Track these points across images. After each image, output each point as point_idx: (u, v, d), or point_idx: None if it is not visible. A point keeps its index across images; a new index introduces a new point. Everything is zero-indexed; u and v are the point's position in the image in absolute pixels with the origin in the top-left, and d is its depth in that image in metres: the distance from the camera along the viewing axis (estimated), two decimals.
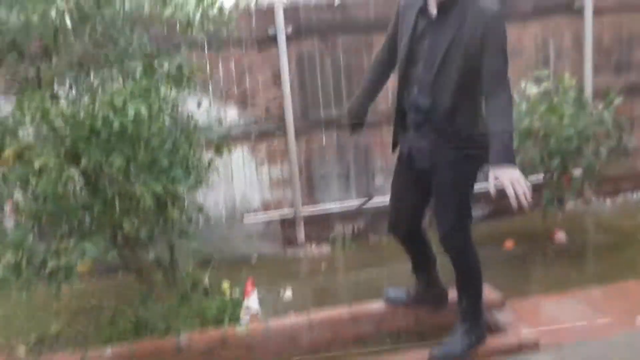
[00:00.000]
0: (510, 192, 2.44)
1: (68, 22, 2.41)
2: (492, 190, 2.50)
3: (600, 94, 5.05)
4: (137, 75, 2.84)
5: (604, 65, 5.53)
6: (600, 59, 5.51)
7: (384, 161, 5.31)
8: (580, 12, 5.37)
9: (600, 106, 4.60)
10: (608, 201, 5.69)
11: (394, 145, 2.97)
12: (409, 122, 2.74)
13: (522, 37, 5.22)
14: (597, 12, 5.39)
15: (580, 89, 4.94)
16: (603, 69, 5.53)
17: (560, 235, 4.76)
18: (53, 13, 2.34)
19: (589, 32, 5.38)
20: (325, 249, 5.19)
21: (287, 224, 5.21)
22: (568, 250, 4.58)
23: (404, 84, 2.72)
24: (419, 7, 2.66)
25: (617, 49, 5.54)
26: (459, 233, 2.79)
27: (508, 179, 2.44)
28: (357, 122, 3.05)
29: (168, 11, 2.90)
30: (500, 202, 5.37)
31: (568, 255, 4.48)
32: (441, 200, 2.77)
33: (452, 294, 3.10)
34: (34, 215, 2.74)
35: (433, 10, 2.61)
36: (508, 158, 2.48)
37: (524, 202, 2.47)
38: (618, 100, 4.58)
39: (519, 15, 5.21)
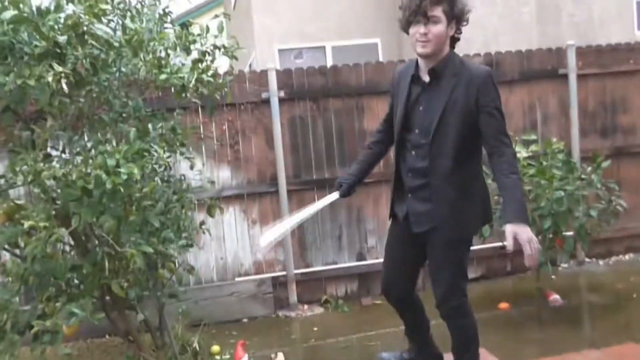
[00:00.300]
0: (527, 251, 2.43)
1: (64, 86, 2.45)
2: (510, 247, 2.49)
3: (588, 157, 5.13)
4: (131, 137, 2.85)
5: (590, 129, 5.65)
6: (586, 122, 5.63)
7: (377, 222, 5.31)
8: (564, 77, 5.53)
9: (589, 169, 4.67)
10: (601, 262, 5.68)
11: (392, 212, 2.95)
12: (407, 186, 2.75)
13: (509, 102, 5.35)
14: (581, 77, 5.55)
15: (568, 152, 5.02)
16: (589, 132, 5.64)
17: (555, 297, 4.72)
18: (50, 77, 2.39)
19: (574, 97, 5.52)
20: (318, 310, 5.11)
21: (279, 285, 5.15)
22: (563, 312, 4.53)
23: (400, 149, 2.76)
24: (411, 74, 2.75)
25: (602, 114, 5.68)
26: (456, 296, 2.76)
27: (526, 239, 2.44)
28: (346, 195, 3.06)
29: (163, 76, 2.95)
30: (493, 263, 5.40)
31: (563, 317, 4.42)
32: (438, 263, 2.74)
33: (448, 358, 3.03)
34: (21, 276, 2.70)
35: (425, 76, 2.69)
36: (524, 217, 2.48)
37: (534, 262, 2.47)
38: (606, 163, 4.65)
39: (505, 81, 5.36)
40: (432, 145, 2.62)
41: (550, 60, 5.54)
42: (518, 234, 2.44)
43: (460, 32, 2.68)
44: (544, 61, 5.53)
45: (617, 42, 5.85)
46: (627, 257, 5.77)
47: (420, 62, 2.69)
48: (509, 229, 2.45)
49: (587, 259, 5.67)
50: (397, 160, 2.79)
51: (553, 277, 5.22)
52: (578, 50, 5.56)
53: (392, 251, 2.91)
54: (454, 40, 2.69)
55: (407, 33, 2.66)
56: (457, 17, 2.61)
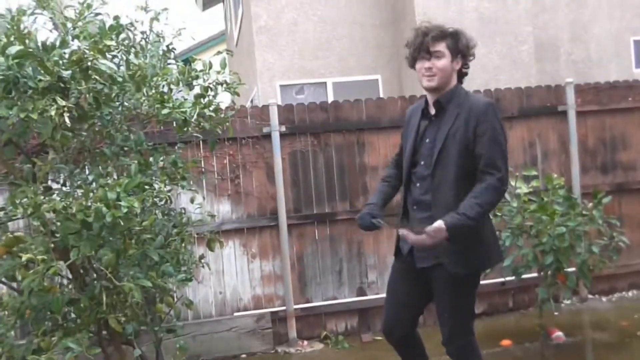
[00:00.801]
0: (422, 238, 2.49)
1: (67, 119, 2.47)
2: (408, 237, 2.53)
3: (589, 193, 5.13)
4: (133, 170, 2.86)
5: (590, 165, 5.66)
6: (586, 159, 5.65)
7: (377, 257, 5.28)
8: (564, 114, 5.57)
9: (590, 205, 4.66)
10: (604, 299, 5.62)
11: (397, 247, 2.91)
12: (412, 220, 2.74)
13: (510, 138, 5.37)
14: (580, 114, 5.60)
15: (569, 188, 5.01)
16: (589, 168, 5.66)
17: (558, 334, 4.65)
18: (53, 111, 2.40)
19: (574, 133, 5.55)
20: (318, 346, 5.04)
21: (278, 321, 5.09)
22: (567, 350, 4.46)
23: (407, 183, 2.77)
24: (421, 109, 2.79)
25: (602, 150, 5.70)
26: (462, 334, 2.71)
27: (432, 235, 2.47)
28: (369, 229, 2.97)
29: (165, 110, 2.97)
30: (494, 299, 5.33)
31: (567, 355, 4.35)
32: (444, 301, 2.70)
33: None
34: (17, 310, 2.67)
35: (432, 110, 2.74)
36: (452, 224, 2.47)
37: (414, 243, 2.52)
38: (607, 199, 4.65)
39: (505, 117, 5.41)
40: (434, 175, 2.63)
41: (549, 97, 5.59)
42: (435, 230, 2.46)
43: (468, 67, 2.75)
44: (543, 98, 5.58)
45: (616, 80, 5.92)
46: (630, 293, 5.71)
47: (428, 96, 2.75)
48: (436, 223, 2.48)
49: (590, 296, 5.61)
50: (404, 194, 2.80)
51: (556, 313, 5.16)
52: (577, 88, 5.62)
53: (396, 289, 2.85)
54: (462, 74, 2.75)
55: (414, 69, 2.72)
56: (462, 52, 2.68)
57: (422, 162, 2.71)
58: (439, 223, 2.50)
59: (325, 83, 8.59)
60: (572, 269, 4.61)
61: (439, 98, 2.69)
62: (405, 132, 2.88)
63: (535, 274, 4.78)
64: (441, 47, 2.63)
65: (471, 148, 2.58)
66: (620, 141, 5.73)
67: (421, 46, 2.63)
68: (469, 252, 2.63)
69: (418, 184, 2.71)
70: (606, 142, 5.71)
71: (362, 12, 8.70)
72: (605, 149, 5.71)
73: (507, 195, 4.46)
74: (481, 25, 7.54)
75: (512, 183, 4.56)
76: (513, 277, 4.72)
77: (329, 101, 5.44)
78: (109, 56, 2.79)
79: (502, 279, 5.07)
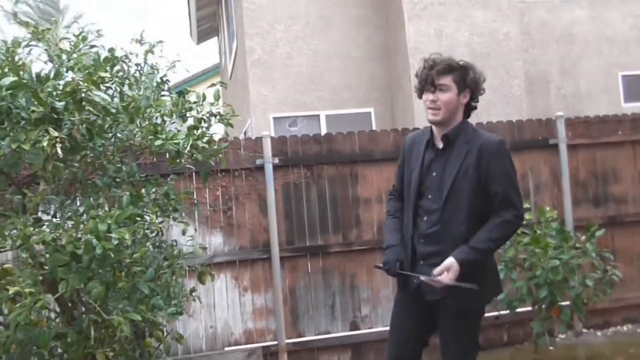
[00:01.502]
0: (442, 278, 2.53)
1: (59, 150, 2.46)
2: (436, 272, 2.56)
3: (581, 225, 5.13)
4: (124, 202, 2.84)
5: (583, 198, 5.69)
6: (578, 192, 5.67)
7: (371, 290, 5.23)
8: (555, 147, 5.61)
9: (583, 238, 4.66)
10: (599, 333, 5.57)
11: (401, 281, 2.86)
12: (419, 253, 2.71)
13: None
14: (572, 148, 5.64)
15: (561, 221, 5.02)
16: (582, 201, 5.68)
17: None
18: (45, 142, 2.40)
19: (565, 166, 5.59)
20: None
21: (270, 355, 5.00)
22: None
23: (413, 216, 2.74)
24: (426, 140, 2.77)
25: (594, 183, 5.73)
26: None
27: (450, 274, 2.52)
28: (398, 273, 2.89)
29: (158, 142, 2.97)
30: (489, 334, 5.28)
31: None
32: (449, 334, 2.67)
33: None
34: (3, 344, 2.61)
35: (439, 143, 2.74)
36: (466, 260, 2.53)
37: (437, 285, 2.56)
38: (600, 232, 4.65)
39: None
40: (444, 210, 2.63)
41: (540, 130, 5.64)
42: (449, 268, 2.52)
43: (477, 101, 2.74)
44: (534, 131, 5.63)
45: (605, 114, 5.99)
46: (625, 328, 5.67)
47: (434, 128, 2.76)
48: (449, 260, 2.54)
49: (584, 330, 5.57)
50: (407, 227, 2.77)
51: (551, 348, 5.10)
52: (567, 122, 5.68)
53: (401, 323, 2.79)
54: (470, 108, 2.75)
55: (422, 99, 2.74)
56: (469, 86, 2.68)
57: (430, 196, 2.69)
58: (452, 261, 2.53)
59: (318, 115, 8.64)
60: (567, 303, 4.58)
61: (447, 134, 2.69)
62: (406, 162, 2.84)
63: (529, 308, 4.75)
64: (447, 80, 2.64)
65: (482, 186, 2.61)
66: (611, 174, 5.77)
67: (427, 78, 2.65)
68: (476, 285, 2.61)
69: (425, 218, 2.69)
70: (597, 175, 5.75)
71: (355, 46, 8.82)
72: (596, 181, 5.74)
73: None
74: (472, 60, 7.60)
75: None
76: (507, 311, 4.68)
77: (322, 133, 5.47)
78: (103, 87, 2.81)
79: (496, 313, 5.02)
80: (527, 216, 4.62)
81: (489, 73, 7.87)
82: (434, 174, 2.70)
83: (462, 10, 7.93)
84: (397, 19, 8.23)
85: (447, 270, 2.53)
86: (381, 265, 2.81)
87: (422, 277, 2.60)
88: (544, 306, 4.47)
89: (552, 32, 8.76)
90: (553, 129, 5.64)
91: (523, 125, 5.65)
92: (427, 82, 2.65)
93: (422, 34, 7.88)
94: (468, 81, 2.68)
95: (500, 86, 7.88)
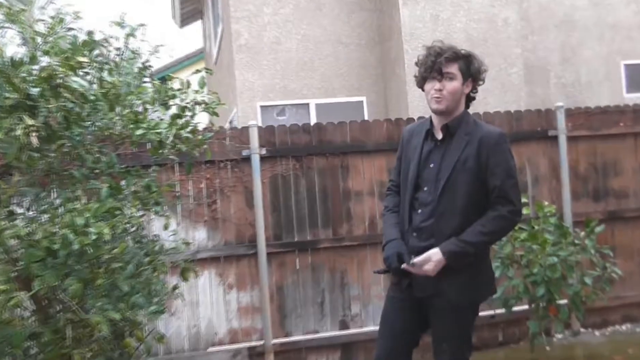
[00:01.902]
0: (423, 269, 2.60)
1: (34, 140, 2.44)
2: (415, 260, 2.63)
3: (580, 221, 5.18)
4: (103, 194, 2.83)
5: (582, 192, 5.73)
6: (578, 185, 5.72)
7: (361, 287, 5.25)
8: (554, 139, 5.65)
9: (582, 234, 4.70)
10: (597, 333, 5.64)
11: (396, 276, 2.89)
12: (411, 247, 2.73)
13: None
14: (571, 139, 5.68)
15: (560, 216, 5.06)
16: (581, 195, 5.72)
17: None
18: (19, 131, 2.38)
19: (564, 159, 5.62)
20: None
21: (256, 356, 5.01)
22: None
23: (408, 208, 2.77)
24: (425, 131, 2.80)
25: (594, 176, 5.78)
26: None
27: (432, 264, 2.58)
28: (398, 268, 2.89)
29: (140, 131, 2.96)
30: (483, 333, 5.32)
31: None
32: (442, 332, 2.70)
33: None
34: None
35: (438, 134, 2.76)
36: (450, 252, 2.58)
37: (416, 271, 2.62)
38: (600, 228, 4.69)
39: None
40: (439, 202, 2.66)
41: (539, 121, 5.67)
42: (431, 258, 2.59)
43: (476, 91, 2.81)
44: (533, 122, 5.66)
45: (607, 105, 6.03)
46: (623, 327, 5.74)
47: (434, 119, 2.78)
48: (433, 250, 2.60)
49: (582, 329, 5.63)
50: (402, 219, 2.79)
51: (547, 348, 5.16)
52: (567, 112, 5.71)
53: (392, 319, 2.81)
54: (470, 99, 2.81)
55: (423, 89, 2.75)
56: (473, 76, 2.74)
57: (426, 188, 2.72)
58: (436, 252, 2.58)
59: (307, 104, 8.63)
60: (564, 301, 4.63)
61: (448, 124, 2.72)
62: (404, 153, 2.88)
63: (525, 306, 4.79)
64: (453, 69, 2.68)
65: (481, 178, 2.65)
66: (612, 167, 5.81)
67: (433, 66, 2.67)
68: (471, 282, 2.66)
69: (420, 210, 2.72)
70: (598, 168, 5.80)
71: (347, 31, 8.81)
72: (597, 175, 5.79)
73: None
74: (469, 47, 7.63)
75: None
76: (503, 310, 4.72)
77: (312, 123, 5.46)
78: (80, 73, 2.78)
79: (491, 312, 5.06)
80: (524, 211, 4.65)
81: (486, 61, 7.93)
82: (431, 165, 2.73)
83: None
84: (392, 3, 8.22)
85: (430, 260, 2.57)
86: (381, 270, 2.84)
87: (403, 265, 2.65)
88: (541, 305, 4.51)
89: (552, 17, 8.80)
90: (552, 120, 5.67)
91: (521, 115, 5.67)
92: (434, 70, 2.67)
93: (417, 19, 7.88)
94: (472, 70, 2.73)
95: (498, 74, 7.91)
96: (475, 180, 2.64)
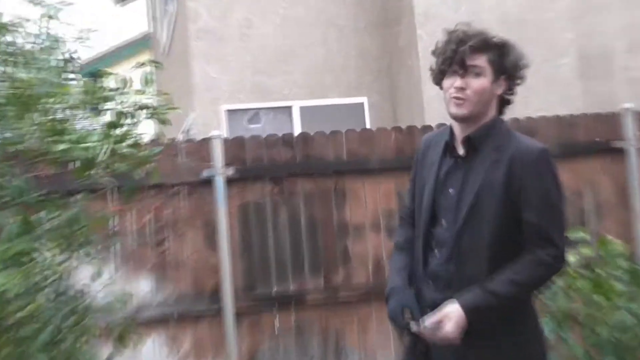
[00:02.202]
0: (441, 330, 2.54)
1: None
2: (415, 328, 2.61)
3: None
4: (11, 232, 2.81)
5: None
6: None
7: (364, 354, 5.23)
8: (621, 152, 5.68)
9: None
10: None
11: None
12: (426, 300, 2.72)
13: None
14: None
15: (632, 257, 5.07)
16: None
17: None
18: None
19: (635, 179, 5.65)
20: None
21: None
22: None
23: (423, 246, 2.76)
24: (444, 142, 2.79)
25: None
26: None
27: (450, 329, 2.51)
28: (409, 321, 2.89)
29: (62, 145, 2.95)
30: None
31: None
32: None
33: None
34: None
35: (460, 148, 2.74)
36: (475, 310, 2.53)
37: (435, 338, 2.57)
38: None
39: None
40: (459, 242, 2.64)
41: (600, 129, 5.71)
42: (448, 316, 2.53)
43: (513, 93, 2.76)
44: (591, 130, 5.70)
45: None
46: None
47: (455, 127, 2.76)
48: (451, 306, 2.55)
49: None
50: (416, 262, 2.78)
51: None
52: (638, 116, 5.75)
53: None
54: (504, 102, 2.77)
55: (441, 87, 2.75)
56: (508, 72, 2.71)
57: (444, 221, 2.71)
58: (454, 308, 2.53)
59: (290, 108, 8.66)
60: None
61: (470, 134, 2.71)
62: (419, 173, 2.87)
63: None
64: (481, 61, 2.65)
65: (515, 209, 2.61)
66: None
67: (454, 56, 2.66)
68: (511, 350, 2.63)
69: (436, 250, 2.71)
70: None
71: (342, 11, 8.88)
72: None
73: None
74: (504, 31, 7.67)
75: None
76: None
77: (296, 133, 5.47)
78: None
79: None
80: (584, 250, 4.67)
81: (527, 50, 7.99)
82: (450, 190, 2.72)
83: None
84: None
85: (447, 319, 2.53)
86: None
87: (413, 327, 2.63)
88: None
89: None
90: (618, 127, 5.71)
91: (575, 121, 5.72)
92: (455, 62, 2.66)
93: None
94: (507, 64, 2.70)
95: (543, 67, 7.97)
96: (505, 210, 2.61)
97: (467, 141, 2.72)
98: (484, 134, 2.71)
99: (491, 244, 2.62)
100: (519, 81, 2.76)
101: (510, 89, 2.76)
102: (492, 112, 2.74)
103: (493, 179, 2.63)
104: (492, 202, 2.61)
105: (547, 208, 2.62)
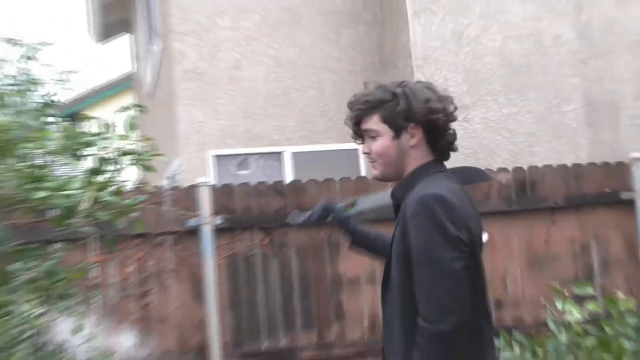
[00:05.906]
0: None
1: None
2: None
3: None
4: None
5: None
6: None
7: None
8: (630, 205, 5.71)
9: None
10: None
11: None
12: None
13: (552, 239, 5.47)
14: None
15: None
16: None
17: None
18: None
19: None
20: None
21: None
22: None
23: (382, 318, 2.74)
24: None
25: None
26: None
27: None
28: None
29: (41, 193, 2.96)
30: None
31: None
32: None
33: None
34: None
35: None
36: None
37: None
38: None
39: (545, 208, 5.50)
40: (384, 310, 2.64)
41: (608, 179, 5.75)
42: None
43: (444, 130, 2.62)
44: (599, 181, 5.74)
45: None
46: None
47: None
48: None
49: None
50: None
51: None
52: None
53: None
54: (439, 145, 2.64)
55: None
56: (411, 120, 2.58)
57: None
58: None
59: (281, 154, 8.68)
60: None
61: (393, 191, 2.71)
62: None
63: None
64: (372, 123, 2.62)
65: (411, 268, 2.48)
66: None
67: (350, 126, 2.70)
68: None
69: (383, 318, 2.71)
70: None
71: (336, 54, 8.96)
72: None
73: (551, 325, 4.49)
74: (507, 75, 7.83)
75: (559, 306, 4.59)
76: None
77: (287, 180, 5.49)
78: None
79: None
80: (591, 307, 4.67)
81: (530, 95, 8.07)
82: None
83: (493, 3, 8.15)
84: (398, 15, 8.42)
85: None
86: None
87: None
88: None
89: (624, 35, 8.99)
90: (627, 177, 5.75)
91: (582, 171, 5.75)
92: (352, 130, 2.70)
93: (433, 37, 8.05)
94: (406, 114, 2.58)
95: (549, 113, 8.04)
96: (406, 271, 2.48)
97: (393, 198, 2.74)
98: (404, 188, 2.62)
99: (400, 311, 2.52)
100: (438, 116, 2.58)
101: (433, 130, 2.61)
102: (413, 163, 2.64)
103: (396, 237, 2.57)
104: (397, 263, 2.54)
105: (423, 264, 2.44)
